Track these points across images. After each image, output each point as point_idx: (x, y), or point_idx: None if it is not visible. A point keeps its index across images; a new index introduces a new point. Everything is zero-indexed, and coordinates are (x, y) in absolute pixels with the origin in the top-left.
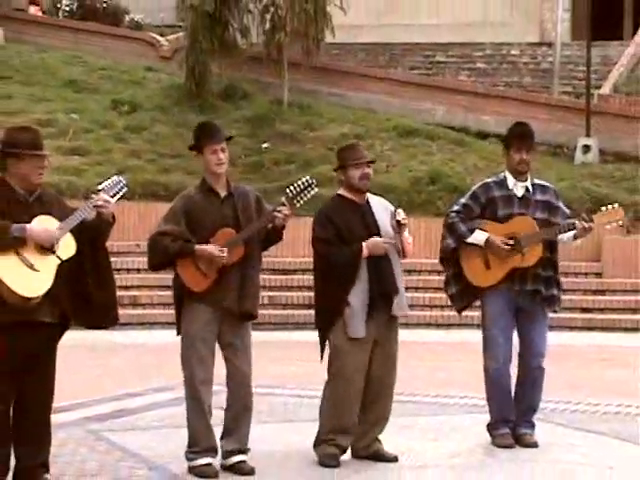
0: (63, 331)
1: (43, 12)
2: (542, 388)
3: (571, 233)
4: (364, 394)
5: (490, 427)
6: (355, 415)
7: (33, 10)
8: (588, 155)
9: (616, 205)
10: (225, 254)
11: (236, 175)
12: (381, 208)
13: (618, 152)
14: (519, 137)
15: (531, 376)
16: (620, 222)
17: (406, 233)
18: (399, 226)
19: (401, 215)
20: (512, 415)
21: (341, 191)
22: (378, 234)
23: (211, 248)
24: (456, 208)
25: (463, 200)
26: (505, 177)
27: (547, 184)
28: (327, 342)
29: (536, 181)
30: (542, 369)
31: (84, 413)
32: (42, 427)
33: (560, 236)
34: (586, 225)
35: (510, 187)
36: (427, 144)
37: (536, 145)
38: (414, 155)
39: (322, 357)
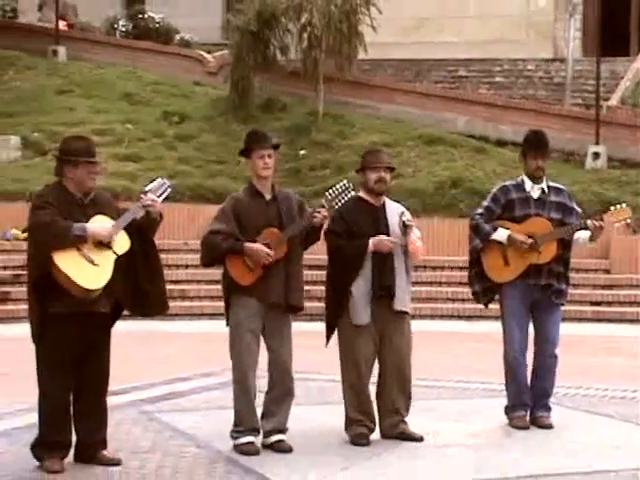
0: (115, 319)
1: (69, 26)
2: (556, 374)
3: (587, 235)
4: (379, 384)
5: (507, 410)
6: (369, 397)
7: (61, 25)
8: (597, 161)
9: (624, 205)
10: (272, 254)
11: (275, 180)
12: (395, 212)
13: (625, 159)
14: (535, 145)
15: (546, 363)
16: (628, 220)
17: (414, 236)
18: (405, 227)
19: (406, 216)
20: (528, 399)
21: (360, 192)
22: (387, 234)
23: (260, 247)
24: (479, 211)
25: (485, 203)
26: (523, 180)
27: (561, 187)
28: (335, 330)
29: (551, 184)
30: (556, 357)
31: (138, 395)
32: (99, 408)
33: (576, 238)
34: (597, 224)
35: (527, 189)
36: (450, 151)
37: (550, 152)
38: (438, 161)
39: (327, 344)
